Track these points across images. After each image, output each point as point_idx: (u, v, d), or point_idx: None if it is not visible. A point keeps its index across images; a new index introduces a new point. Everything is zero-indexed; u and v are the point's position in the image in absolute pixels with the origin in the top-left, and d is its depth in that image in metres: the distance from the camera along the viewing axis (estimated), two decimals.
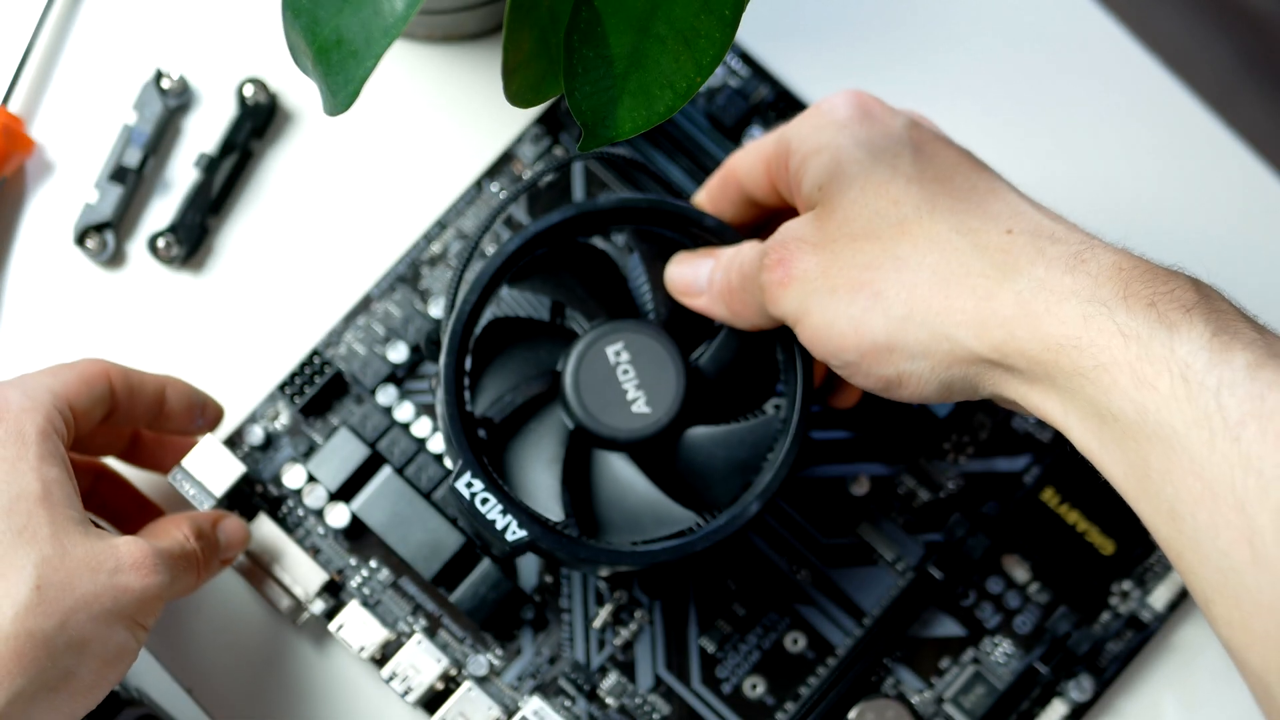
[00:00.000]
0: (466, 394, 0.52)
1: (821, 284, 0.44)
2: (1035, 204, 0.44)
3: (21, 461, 0.46)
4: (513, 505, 0.49)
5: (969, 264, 0.42)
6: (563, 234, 0.52)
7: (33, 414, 0.47)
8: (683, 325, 0.52)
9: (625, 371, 0.51)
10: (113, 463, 0.56)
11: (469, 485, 0.49)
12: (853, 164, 0.45)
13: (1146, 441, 0.38)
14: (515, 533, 0.49)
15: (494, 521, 0.49)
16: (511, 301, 0.57)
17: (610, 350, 0.51)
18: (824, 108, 0.47)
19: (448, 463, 0.56)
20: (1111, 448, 0.40)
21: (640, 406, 0.51)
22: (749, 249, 0.48)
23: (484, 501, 0.49)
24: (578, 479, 0.52)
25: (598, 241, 0.55)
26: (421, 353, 0.57)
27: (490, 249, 0.59)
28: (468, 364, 0.52)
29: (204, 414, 0.54)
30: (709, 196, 0.52)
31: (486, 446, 0.51)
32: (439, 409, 0.51)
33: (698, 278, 0.50)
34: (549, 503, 0.50)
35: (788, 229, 0.46)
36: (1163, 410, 0.38)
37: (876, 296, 0.43)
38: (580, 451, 0.52)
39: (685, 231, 0.53)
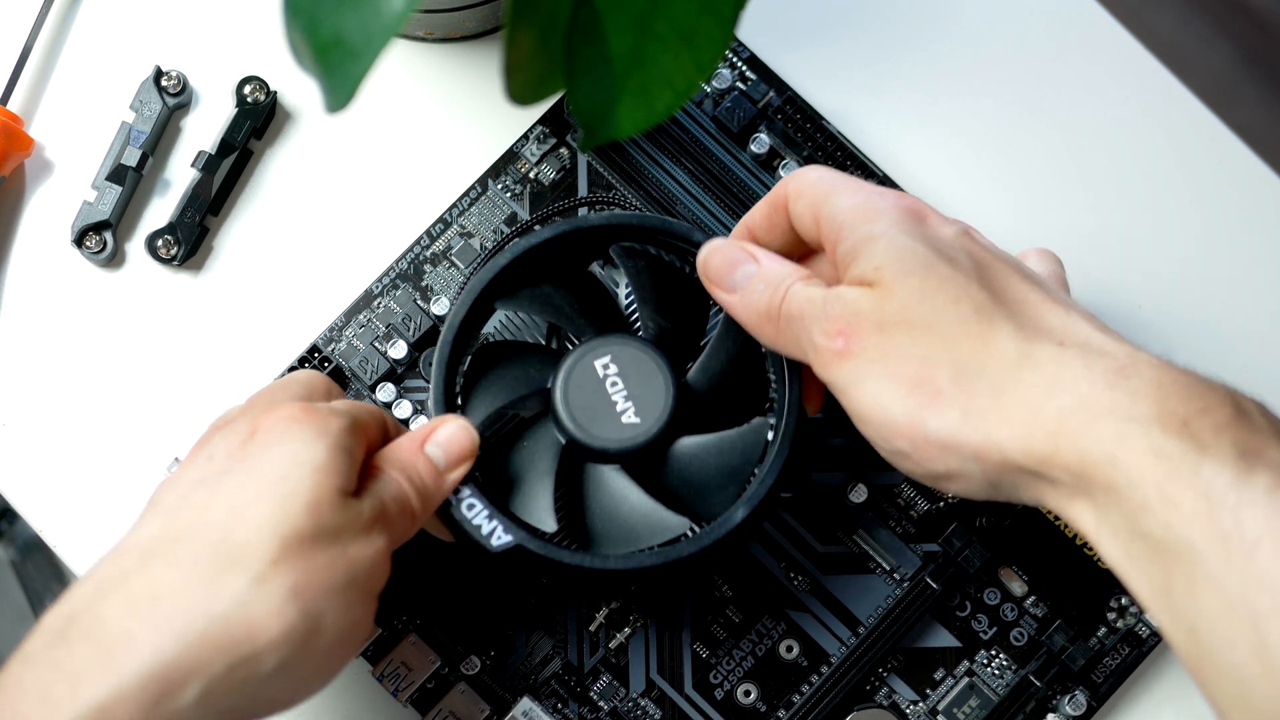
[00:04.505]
0: (459, 406, 0.52)
1: (880, 368, 0.45)
2: (1084, 313, 0.45)
3: (319, 440, 0.45)
4: (498, 512, 0.50)
5: (1022, 376, 0.43)
6: (552, 251, 0.52)
7: (340, 419, 0.47)
8: (672, 339, 0.52)
9: (614, 384, 0.51)
10: None
11: (455, 491, 0.49)
12: (913, 255, 0.45)
13: (1170, 558, 0.40)
14: (500, 538, 0.49)
15: (479, 526, 0.49)
16: (507, 322, 0.57)
17: (598, 364, 0.51)
18: (875, 202, 0.47)
19: None
20: (1140, 563, 0.41)
21: (630, 417, 0.51)
22: (799, 286, 0.48)
23: (470, 507, 0.49)
24: (571, 491, 0.52)
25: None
26: (421, 349, 0.57)
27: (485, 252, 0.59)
28: (461, 378, 0.53)
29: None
30: (759, 218, 0.51)
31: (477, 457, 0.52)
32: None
33: (733, 274, 0.50)
34: (545, 516, 0.51)
35: (849, 299, 0.46)
36: (1186, 527, 0.40)
37: (936, 395, 0.44)
38: (573, 464, 0.52)
39: (674, 249, 0.53)
